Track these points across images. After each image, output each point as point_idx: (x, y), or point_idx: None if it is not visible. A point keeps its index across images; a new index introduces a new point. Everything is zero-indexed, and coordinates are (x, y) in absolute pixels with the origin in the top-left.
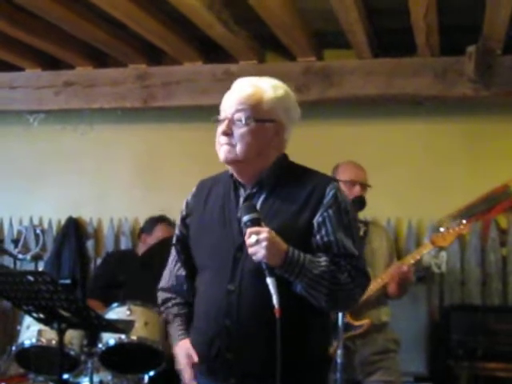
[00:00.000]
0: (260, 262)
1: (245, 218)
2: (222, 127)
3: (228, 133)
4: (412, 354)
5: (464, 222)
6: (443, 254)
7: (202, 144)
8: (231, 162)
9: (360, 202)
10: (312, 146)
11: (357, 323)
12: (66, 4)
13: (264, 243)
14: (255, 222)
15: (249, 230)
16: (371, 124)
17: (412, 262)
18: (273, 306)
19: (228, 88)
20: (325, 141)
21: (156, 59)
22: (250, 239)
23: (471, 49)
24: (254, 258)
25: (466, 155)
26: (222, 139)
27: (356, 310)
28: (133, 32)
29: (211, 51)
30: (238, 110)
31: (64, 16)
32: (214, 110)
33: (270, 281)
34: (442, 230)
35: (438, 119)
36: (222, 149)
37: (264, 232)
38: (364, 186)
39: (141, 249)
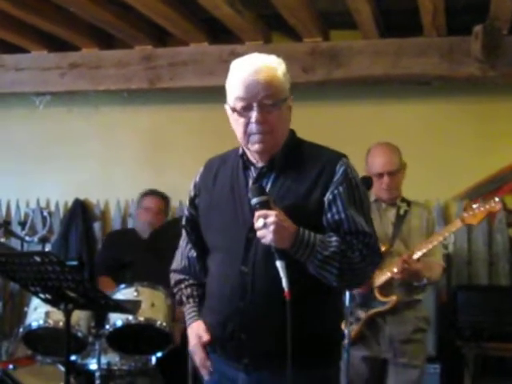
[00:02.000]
0: (270, 245)
1: (254, 201)
2: (255, 115)
3: (262, 121)
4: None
5: (497, 199)
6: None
7: (209, 125)
8: (267, 150)
9: (366, 183)
10: (318, 126)
11: (384, 299)
12: None
13: (272, 227)
14: (264, 205)
15: (257, 214)
16: (378, 104)
17: (440, 239)
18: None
19: None
20: (331, 121)
21: (162, 40)
22: (258, 223)
23: (478, 28)
24: (262, 241)
25: (473, 135)
26: (257, 128)
27: (386, 287)
28: (138, 13)
29: (217, 32)
30: (266, 96)
31: None
32: (221, 90)
33: (279, 264)
34: (474, 206)
35: (445, 99)
36: (259, 138)
37: (272, 215)
38: (392, 172)
39: (138, 226)
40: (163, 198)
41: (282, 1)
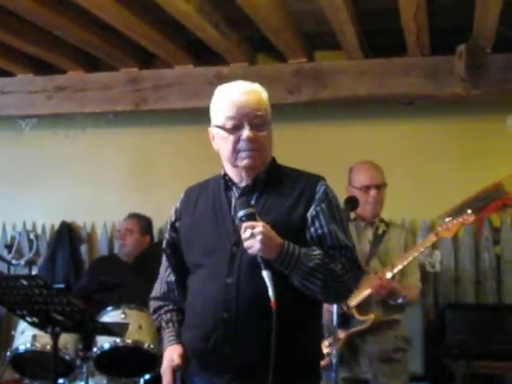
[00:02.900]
0: (256, 256)
1: (240, 213)
2: (246, 133)
3: (253, 138)
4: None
5: (469, 211)
6: (437, 252)
7: (194, 146)
8: (255, 167)
9: (352, 203)
10: (304, 147)
11: (362, 318)
12: (56, 9)
13: (259, 237)
14: (250, 217)
15: (244, 225)
16: (363, 124)
17: (416, 254)
18: (269, 300)
19: None
20: (317, 142)
21: (147, 63)
22: (245, 233)
23: (461, 48)
24: (249, 251)
25: (458, 154)
26: (247, 145)
27: (364, 306)
28: (124, 36)
29: (202, 54)
30: (256, 116)
31: (55, 21)
32: (206, 112)
33: (265, 274)
34: (446, 220)
35: (430, 118)
36: (248, 155)
37: (259, 226)
38: (379, 186)
39: (118, 250)
40: (138, 219)
41: (266, 22)
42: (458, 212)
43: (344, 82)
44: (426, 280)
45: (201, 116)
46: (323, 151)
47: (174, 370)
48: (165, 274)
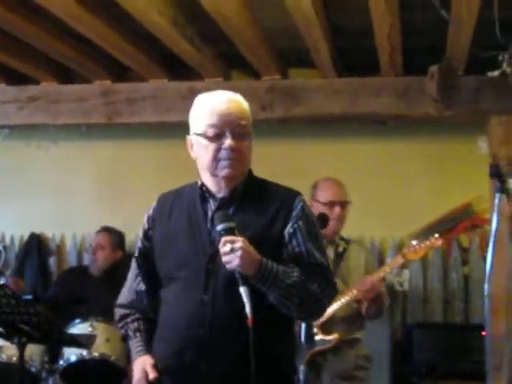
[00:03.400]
0: (233, 272)
1: (219, 227)
2: (228, 142)
3: (235, 147)
4: (375, 371)
5: (436, 235)
6: (406, 272)
7: (167, 160)
8: (234, 177)
9: (323, 220)
10: (277, 164)
11: (326, 338)
12: (31, 19)
13: (239, 252)
14: (229, 231)
15: (223, 239)
16: (336, 143)
17: (382, 275)
18: (246, 316)
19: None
20: (289, 159)
21: (121, 75)
22: (225, 248)
23: (433, 69)
24: (227, 266)
25: (428, 174)
26: (228, 155)
27: (327, 324)
28: (98, 48)
29: (176, 68)
30: (238, 125)
31: (29, 31)
32: (179, 126)
33: (243, 290)
34: (414, 242)
35: (401, 138)
36: (229, 164)
37: (239, 241)
38: (344, 203)
39: (89, 264)
40: (111, 234)
41: (241, 38)
42: (427, 232)
43: (317, 100)
44: (395, 299)
45: (173, 130)
46: (295, 168)
47: (150, 382)
48: (134, 283)
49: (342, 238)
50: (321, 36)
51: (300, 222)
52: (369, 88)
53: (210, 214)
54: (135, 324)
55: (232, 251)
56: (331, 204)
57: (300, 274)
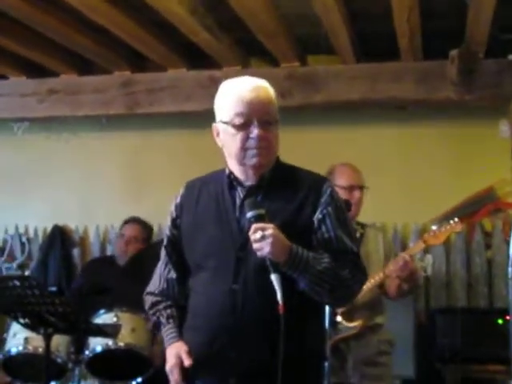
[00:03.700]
0: (264, 259)
1: (249, 214)
2: (256, 131)
3: (263, 136)
4: (399, 357)
5: (456, 219)
6: (429, 256)
7: (187, 150)
8: (262, 166)
9: (346, 206)
10: (296, 151)
11: (350, 324)
12: (49, 11)
13: (270, 239)
14: (260, 218)
15: (254, 226)
16: (355, 129)
17: (411, 254)
18: (277, 304)
19: (212, 94)
20: (309, 146)
21: (140, 66)
22: (256, 235)
23: (454, 53)
24: (258, 253)
25: (450, 158)
26: (256, 144)
27: (350, 311)
28: (117, 39)
29: (195, 57)
30: (266, 113)
31: (48, 23)
32: (199, 116)
33: (274, 277)
34: (434, 227)
35: (422, 123)
36: (257, 153)
37: (270, 228)
38: (362, 188)
39: (118, 254)
40: (143, 227)
41: (259, 26)
42: (449, 217)
43: (336, 87)
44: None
45: (194, 120)
46: (315, 155)
47: (185, 369)
48: (164, 271)
49: (358, 223)
50: (339, 21)
51: (329, 208)
52: (388, 73)
53: (238, 201)
54: (168, 311)
55: (263, 238)
56: (351, 188)
57: (330, 260)
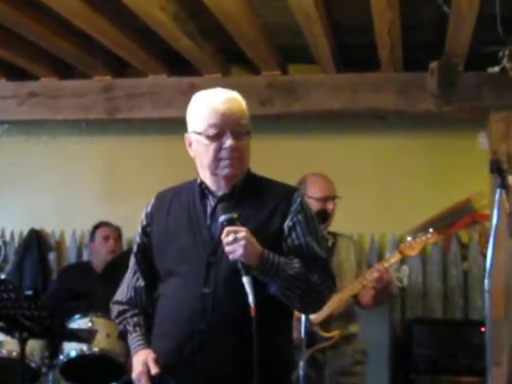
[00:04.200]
0: (235, 263)
1: (222, 218)
2: (229, 141)
3: (235, 147)
4: (374, 367)
5: (431, 230)
6: (405, 267)
7: (166, 157)
8: (235, 176)
9: (323, 216)
10: (275, 159)
11: (327, 335)
12: (31, 15)
13: (242, 242)
14: (232, 222)
15: (227, 229)
16: (335, 138)
17: (386, 265)
18: (247, 307)
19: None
20: (288, 155)
21: (121, 71)
22: (228, 237)
23: (434, 65)
24: (230, 256)
25: (428, 169)
26: (229, 154)
27: (326, 322)
28: (98, 44)
29: (176, 64)
30: (239, 124)
31: (29, 26)
32: (178, 122)
33: (245, 280)
34: (409, 239)
35: (401, 134)
36: (230, 163)
37: (242, 231)
38: (335, 198)
39: (94, 259)
40: (112, 227)
41: (241, 34)
42: (426, 228)
43: (316, 96)
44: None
45: (173, 126)
46: (294, 164)
47: (152, 376)
48: (133, 280)
49: (329, 233)
50: (321, 32)
51: (299, 216)
52: (369, 84)
53: (208, 210)
54: (135, 319)
55: (235, 240)
56: (325, 199)
57: (301, 265)
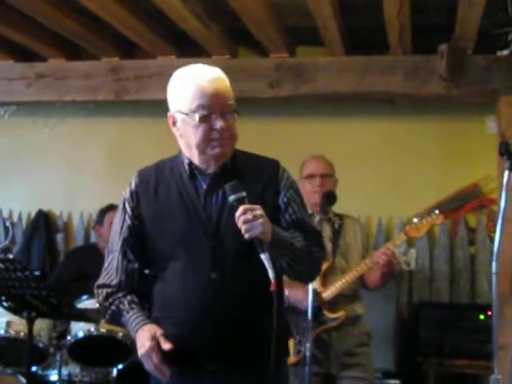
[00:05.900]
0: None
1: (232, 197)
2: (220, 122)
3: (225, 127)
4: (380, 350)
5: (437, 212)
6: (412, 251)
7: (174, 138)
8: (225, 155)
9: (331, 197)
10: (283, 142)
11: (332, 315)
12: None
13: (261, 219)
14: (242, 201)
15: (244, 207)
16: (343, 121)
17: (391, 247)
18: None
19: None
20: (296, 137)
21: (129, 52)
22: (247, 215)
23: (443, 47)
24: (248, 234)
25: (437, 153)
26: (218, 134)
27: (332, 303)
28: (106, 25)
29: (184, 45)
30: (227, 104)
31: (37, 7)
32: None
33: (264, 256)
34: (415, 220)
35: (410, 117)
36: (221, 144)
37: (258, 209)
38: (325, 176)
39: (100, 242)
40: None
41: (249, 16)
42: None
43: (325, 78)
44: (401, 278)
45: None
46: (302, 146)
47: (163, 352)
48: (123, 262)
49: (335, 214)
50: (330, 14)
51: (291, 191)
52: (377, 66)
53: (200, 190)
54: (128, 297)
55: (255, 218)
56: (311, 177)
57: (303, 238)
